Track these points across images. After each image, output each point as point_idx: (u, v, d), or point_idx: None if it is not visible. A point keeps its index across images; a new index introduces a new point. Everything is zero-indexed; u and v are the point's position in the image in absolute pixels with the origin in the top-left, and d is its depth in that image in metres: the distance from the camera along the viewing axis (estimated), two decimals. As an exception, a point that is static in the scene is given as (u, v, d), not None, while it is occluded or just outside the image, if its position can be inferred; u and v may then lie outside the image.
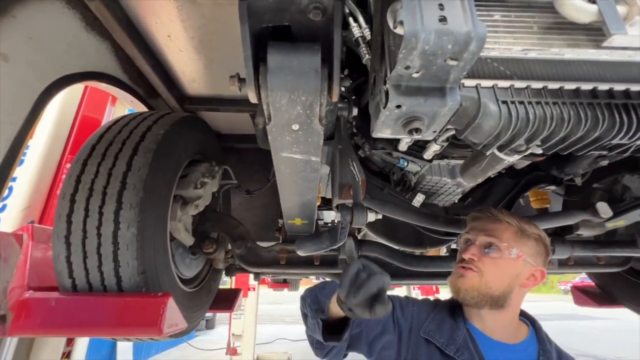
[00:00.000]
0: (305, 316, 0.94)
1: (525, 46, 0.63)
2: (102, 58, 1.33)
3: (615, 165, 1.35)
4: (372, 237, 1.68)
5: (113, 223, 1.01)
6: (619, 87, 0.67)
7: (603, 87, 0.67)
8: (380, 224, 1.49)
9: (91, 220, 1.01)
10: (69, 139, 2.00)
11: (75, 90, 2.05)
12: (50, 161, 1.93)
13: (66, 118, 2.02)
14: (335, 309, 0.83)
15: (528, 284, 0.91)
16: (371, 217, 1.33)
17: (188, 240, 1.38)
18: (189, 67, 1.49)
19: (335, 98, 0.67)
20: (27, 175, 1.85)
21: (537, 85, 0.66)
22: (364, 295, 0.71)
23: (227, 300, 2.08)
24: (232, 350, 5.93)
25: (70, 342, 2.26)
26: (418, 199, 1.34)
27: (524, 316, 0.98)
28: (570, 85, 0.66)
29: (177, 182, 1.29)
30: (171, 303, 1.00)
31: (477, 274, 0.89)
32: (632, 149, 0.76)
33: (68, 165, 1.93)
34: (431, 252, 1.87)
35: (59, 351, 2.00)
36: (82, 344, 2.38)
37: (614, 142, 0.70)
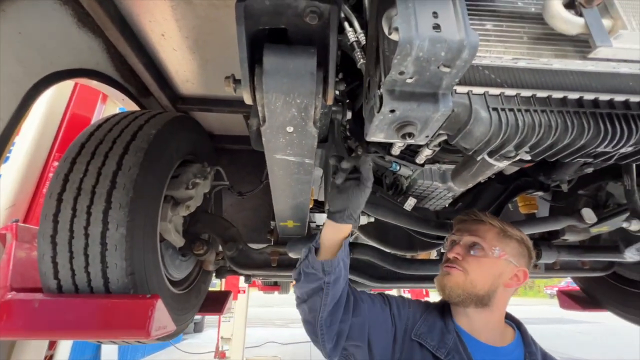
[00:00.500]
0: (297, 271, 0.92)
1: (515, 55, 0.65)
2: (93, 55, 1.32)
3: (599, 173, 1.39)
4: (364, 240, 1.69)
5: (101, 223, 0.99)
6: (604, 97, 0.69)
7: (589, 96, 0.69)
8: (372, 227, 1.50)
9: (79, 220, 0.99)
10: (56, 137, 1.95)
11: (64, 87, 2.01)
12: (36, 159, 1.88)
13: (54, 115, 1.97)
14: (326, 235, 0.88)
15: (511, 284, 0.94)
16: (363, 220, 1.34)
17: (178, 241, 1.36)
18: (183, 67, 1.48)
19: (330, 101, 0.68)
20: (12, 173, 1.80)
21: (526, 93, 0.68)
22: (350, 162, 0.83)
23: (216, 303, 2.05)
24: (220, 354, 5.85)
25: (52, 344, 2.20)
26: (410, 203, 1.35)
27: (510, 319, 1.00)
28: (557, 94, 0.68)
29: (169, 182, 1.28)
30: (160, 305, 0.99)
31: (462, 272, 0.92)
32: (615, 157, 0.78)
33: (55, 164, 1.89)
34: (422, 255, 1.89)
35: (41, 354, 1.95)
36: (65, 346, 2.32)
37: (599, 149, 0.72)
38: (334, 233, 0.88)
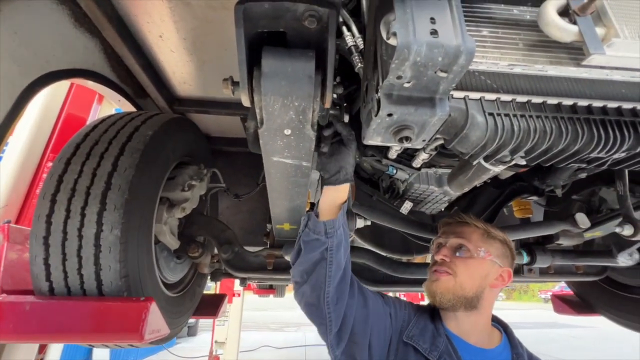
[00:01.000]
0: (296, 248, 0.91)
1: (511, 61, 0.66)
2: (90, 55, 1.31)
3: (593, 178, 1.41)
4: (360, 243, 1.69)
5: (96, 224, 0.98)
6: (597, 103, 0.70)
7: (582, 103, 0.70)
8: (368, 230, 1.50)
9: (72, 221, 0.98)
10: (51, 137, 1.93)
11: (60, 87, 1.99)
12: (30, 159, 1.86)
13: (49, 115, 1.95)
14: (325, 201, 0.89)
15: (497, 284, 0.96)
16: (360, 223, 1.34)
17: (173, 243, 1.35)
18: (180, 68, 1.48)
19: (327, 104, 0.68)
20: (5, 173, 1.78)
21: (521, 99, 0.69)
22: (331, 129, 0.86)
23: (211, 306, 2.04)
24: (214, 358, 5.78)
25: (43, 348, 2.16)
26: (406, 207, 1.36)
27: (496, 322, 1.02)
28: (552, 100, 0.69)
29: (164, 184, 1.27)
30: (154, 308, 0.98)
31: (451, 276, 0.94)
32: (608, 163, 0.79)
33: (49, 164, 1.87)
34: (418, 259, 1.89)
35: (31, 357, 1.91)
36: (55, 350, 2.28)
37: (592, 155, 0.73)
38: (333, 197, 0.89)
